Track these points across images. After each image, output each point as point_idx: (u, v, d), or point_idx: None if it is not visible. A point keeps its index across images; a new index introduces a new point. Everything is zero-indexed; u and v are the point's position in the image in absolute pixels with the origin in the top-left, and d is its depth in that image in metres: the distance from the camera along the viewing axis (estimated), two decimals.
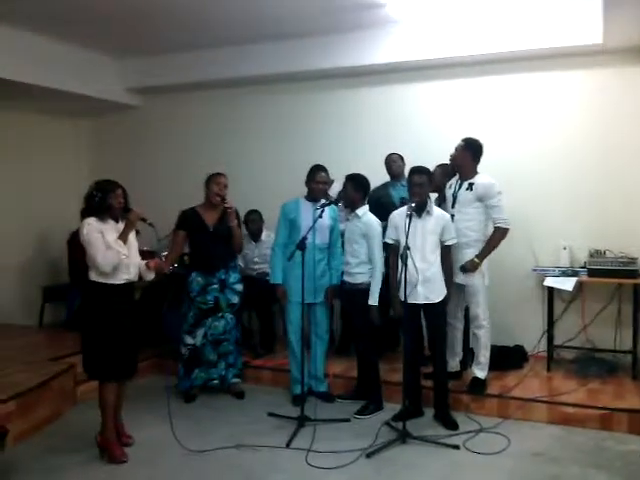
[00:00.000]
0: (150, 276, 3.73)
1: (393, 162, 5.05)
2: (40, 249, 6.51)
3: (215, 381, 4.61)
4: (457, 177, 4.34)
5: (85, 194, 3.61)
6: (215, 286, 4.51)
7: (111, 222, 3.58)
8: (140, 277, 3.73)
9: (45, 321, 6.25)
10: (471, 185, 4.22)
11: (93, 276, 3.54)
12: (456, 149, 4.32)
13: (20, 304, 6.32)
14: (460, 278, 4.20)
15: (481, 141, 4.30)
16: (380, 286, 4.17)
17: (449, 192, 4.35)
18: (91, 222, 3.50)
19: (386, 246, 4.14)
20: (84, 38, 5.45)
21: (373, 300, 4.15)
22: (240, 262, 5.53)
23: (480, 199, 4.19)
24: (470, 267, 4.16)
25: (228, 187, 4.50)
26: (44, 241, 6.49)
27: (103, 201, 3.54)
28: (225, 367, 4.61)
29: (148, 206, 5.97)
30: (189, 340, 4.54)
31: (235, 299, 4.58)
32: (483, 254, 4.18)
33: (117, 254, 3.49)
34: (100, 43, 5.64)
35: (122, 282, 3.58)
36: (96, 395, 3.68)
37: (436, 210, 4.03)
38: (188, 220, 4.52)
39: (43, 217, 6.28)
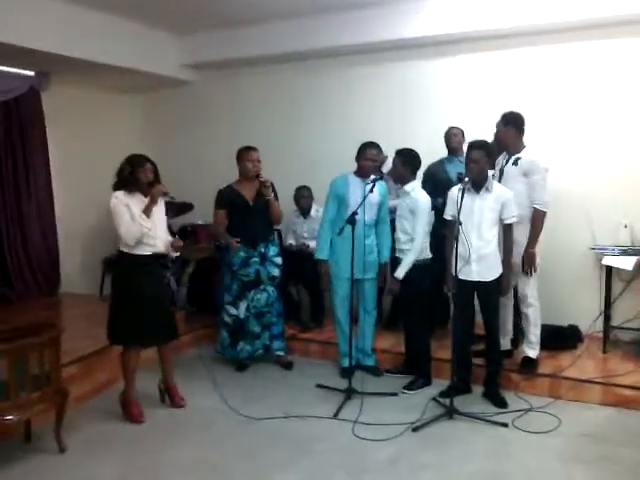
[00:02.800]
0: (174, 254, 3.89)
1: (453, 136, 4.86)
2: (100, 221, 6.72)
3: (260, 350, 4.71)
4: (505, 153, 4.21)
5: (117, 168, 3.73)
6: (256, 259, 4.57)
7: (139, 196, 3.70)
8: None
9: (105, 291, 6.50)
10: (517, 160, 4.10)
11: (121, 246, 3.71)
12: (497, 126, 4.19)
13: (83, 275, 6.58)
14: (515, 255, 4.09)
15: (520, 112, 4.15)
16: (412, 262, 4.12)
17: (496, 167, 4.22)
18: (118, 195, 3.65)
19: (446, 222, 4.05)
20: (141, 14, 5.52)
21: (399, 272, 4.13)
22: (291, 239, 5.60)
23: (525, 174, 4.06)
24: (529, 260, 4.05)
25: (261, 161, 4.53)
26: (104, 214, 6.66)
27: (131, 175, 3.66)
28: (269, 338, 4.70)
29: (199, 182, 6.16)
30: (233, 311, 4.64)
31: (275, 272, 4.64)
32: (532, 242, 4.05)
33: (139, 227, 3.61)
34: (156, 18, 5.70)
35: (147, 253, 3.71)
36: (153, 362, 3.86)
37: (496, 187, 3.90)
38: (227, 198, 4.58)
39: (104, 190, 6.46)
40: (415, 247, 4.11)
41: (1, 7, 4.54)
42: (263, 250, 4.59)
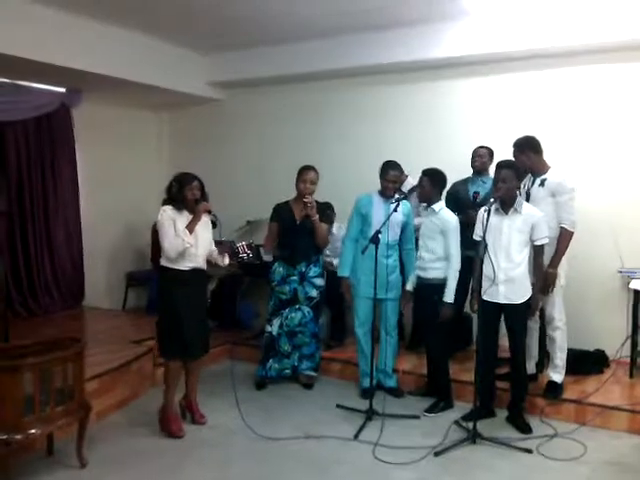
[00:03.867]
0: (224, 262, 3.99)
1: (478, 157, 4.82)
2: (125, 237, 6.83)
3: (287, 370, 4.69)
4: (530, 175, 4.17)
5: (167, 185, 3.85)
6: (295, 277, 4.58)
7: (186, 213, 3.77)
8: (214, 264, 3.99)
9: (128, 305, 6.57)
10: (543, 181, 4.06)
11: (163, 261, 3.79)
12: (514, 155, 4.16)
13: (106, 289, 6.67)
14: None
15: (531, 135, 4.14)
16: (456, 283, 4.09)
17: (523, 190, 4.18)
18: (166, 209, 3.75)
19: (475, 243, 3.99)
20: (168, 33, 5.64)
21: (449, 297, 4.08)
22: None
23: (553, 195, 4.01)
24: (549, 280, 3.99)
25: (316, 181, 4.54)
26: (129, 229, 6.81)
27: (179, 192, 3.76)
28: (298, 358, 4.68)
29: (226, 198, 6.21)
30: (268, 328, 4.66)
31: (314, 293, 4.63)
32: (555, 261, 4.00)
33: (182, 242, 3.67)
34: (184, 38, 5.80)
35: (187, 268, 3.76)
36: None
37: (526, 208, 3.84)
38: (279, 213, 4.63)
39: (129, 206, 6.57)
40: (454, 267, 4.08)
41: (34, 27, 4.68)
42: (304, 270, 4.59)
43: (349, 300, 4.58)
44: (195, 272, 3.81)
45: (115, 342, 4.85)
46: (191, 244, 3.70)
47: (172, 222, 3.70)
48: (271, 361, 4.66)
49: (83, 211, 6.28)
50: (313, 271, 4.63)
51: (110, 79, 5.44)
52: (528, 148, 4.11)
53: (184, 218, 3.75)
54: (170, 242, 3.68)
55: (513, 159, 4.11)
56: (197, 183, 3.81)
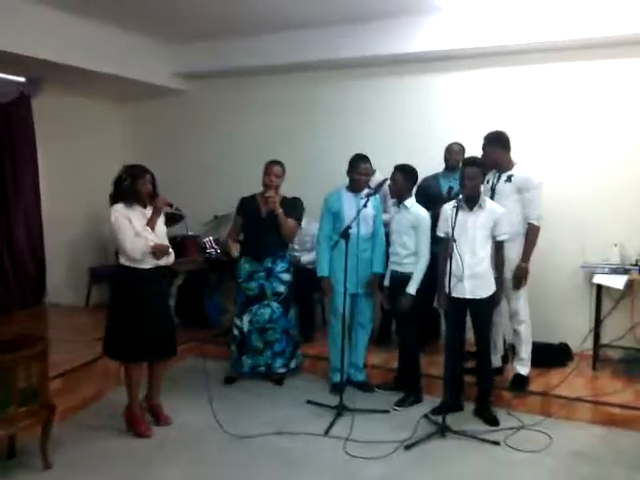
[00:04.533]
0: (168, 260, 3.73)
1: (454, 154, 4.84)
2: (88, 231, 6.67)
3: (261, 367, 4.63)
4: (494, 171, 4.23)
5: (114, 178, 3.64)
6: (261, 274, 4.53)
7: (138, 208, 3.62)
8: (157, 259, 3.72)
9: (91, 302, 6.42)
10: (510, 177, 4.12)
11: (122, 260, 3.61)
12: (482, 148, 4.21)
13: (69, 285, 6.49)
14: (506, 272, 4.10)
15: (502, 130, 4.20)
16: (422, 277, 4.12)
17: (487, 185, 4.24)
18: (119, 209, 3.55)
19: (439, 239, 4.04)
20: (132, 22, 5.49)
21: (411, 289, 4.11)
22: None
23: (519, 191, 4.08)
24: (521, 274, 4.07)
25: (282, 175, 4.51)
26: (92, 223, 6.64)
27: (132, 187, 3.58)
28: (272, 355, 4.62)
29: (193, 192, 6.12)
30: (238, 323, 4.61)
31: (281, 288, 4.59)
32: (526, 256, 4.08)
33: (145, 241, 3.54)
34: (148, 28, 5.67)
35: (149, 267, 3.63)
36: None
37: (489, 204, 3.91)
38: (245, 206, 4.57)
39: (90, 200, 6.40)
40: (422, 262, 4.11)
41: None
42: (270, 265, 4.54)
43: (329, 298, 4.53)
44: (157, 270, 3.68)
45: (79, 340, 4.74)
46: (154, 242, 3.58)
47: (128, 221, 3.53)
48: (244, 358, 4.61)
49: (44, 205, 6.10)
50: (280, 266, 4.59)
51: (71, 68, 5.27)
52: (497, 143, 4.16)
53: (138, 214, 3.60)
54: (132, 243, 3.51)
55: (481, 153, 4.17)
56: (149, 176, 3.64)
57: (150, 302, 3.66)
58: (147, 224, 3.58)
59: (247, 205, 4.58)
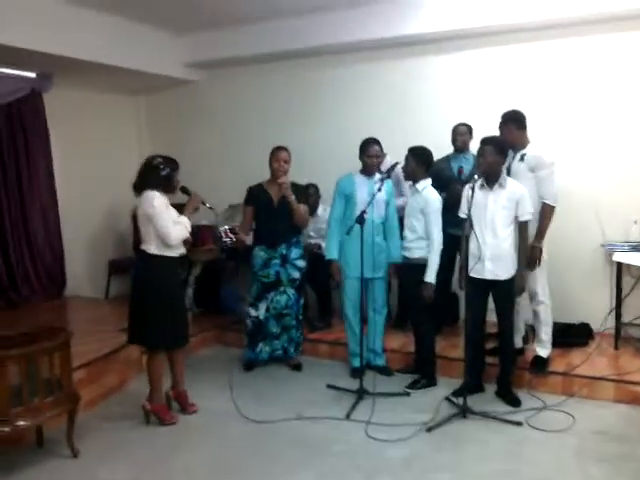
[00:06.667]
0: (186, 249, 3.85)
1: (459, 135, 4.80)
2: (106, 223, 6.72)
3: (278, 352, 4.67)
4: (512, 150, 4.17)
5: (148, 165, 3.63)
6: (276, 261, 4.54)
7: (166, 198, 3.67)
8: None
9: (111, 294, 6.48)
10: (523, 156, 4.07)
11: (153, 249, 3.60)
12: (499, 128, 4.16)
13: (88, 277, 6.55)
14: None
15: (518, 109, 4.13)
16: (437, 263, 4.08)
17: (504, 165, 4.18)
18: (157, 195, 3.57)
19: (462, 220, 3.95)
20: (142, 14, 5.47)
21: (429, 277, 4.07)
22: None
23: (532, 170, 4.02)
24: (534, 254, 4.00)
25: (289, 161, 4.49)
26: (110, 215, 6.69)
27: (170, 177, 3.63)
28: (287, 340, 4.66)
29: (206, 181, 6.12)
30: (253, 312, 4.61)
31: (296, 274, 4.59)
32: (540, 235, 4.02)
33: (184, 229, 3.61)
34: (157, 19, 5.65)
35: (175, 255, 3.68)
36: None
37: (511, 183, 3.83)
38: (254, 195, 4.56)
39: (108, 192, 6.45)
40: (435, 247, 4.06)
41: (1, 8, 4.50)
42: (285, 252, 4.54)
43: (339, 282, 4.55)
44: (181, 258, 3.75)
45: (100, 331, 4.79)
46: (190, 232, 3.68)
47: (167, 208, 3.59)
48: (261, 344, 4.64)
49: (61, 198, 6.14)
50: (294, 252, 4.59)
51: (82, 62, 5.27)
52: (511, 122, 4.10)
53: (169, 204, 3.66)
54: (174, 229, 3.55)
55: (495, 133, 4.12)
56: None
57: (177, 290, 3.73)
58: (184, 214, 3.68)
59: (257, 194, 4.56)
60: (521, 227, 3.86)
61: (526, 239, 3.90)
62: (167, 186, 3.63)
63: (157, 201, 3.53)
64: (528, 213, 3.82)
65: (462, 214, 3.92)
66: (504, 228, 3.81)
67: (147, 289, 3.65)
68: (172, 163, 3.68)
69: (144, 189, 3.59)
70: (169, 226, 3.54)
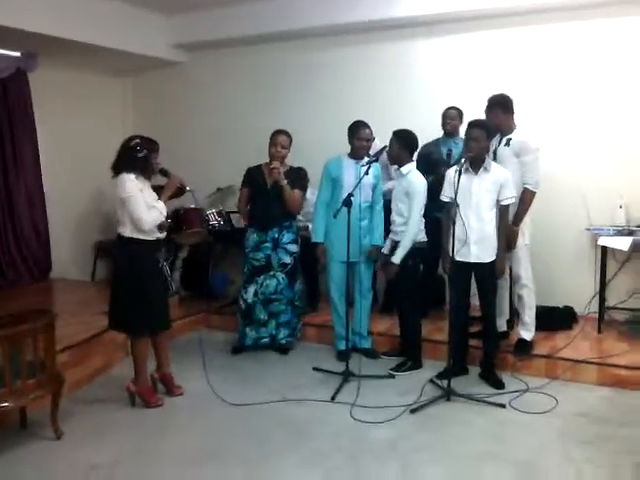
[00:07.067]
0: (164, 233, 3.75)
1: (449, 119, 4.79)
2: (92, 205, 6.66)
3: (265, 339, 4.65)
4: (498, 134, 4.17)
5: (125, 146, 3.56)
6: (268, 244, 4.53)
7: (145, 180, 3.59)
8: None
9: (97, 276, 6.45)
10: (509, 141, 4.07)
11: (128, 232, 3.54)
12: (485, 112, 4.15)
13: (74, 260, 6.52)
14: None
15: (505, 93, 4.12)
16: (409, 246, 4.07)
17: (490, 149, 4.19)
18: (133, 179, 3.49)
19: (443, 204, 4.00)
20: None
21: (395, 258, 4.08)
22: None
23: (517, 155, 4.03)
24: (511, 237, 4.02)
25: (288, 145, 4.47)
26: (95, 198, 6.63)
27: (146, 159, 3.54)
28: (275, 326, 4.64)
29: (195, 164, 6.09)
30: (243, 294, 4.62)
31: (287, 259, 4.58)
32: (518, 219, 4.04)
33: (159, 214, 3.54)
34: None
35: (154, 239, 3.62)
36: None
37: (495, 167, 3.86)
38: (251, 177, 4.55)
39: (93, 174, 6.37)
40: (410, 230, 4.06)
41: None
42: (277, 236, 4.53)
43: (323, 264, 4.55)
44: (157, 242, 3.67)
45: (86, 313, 4.76)
46: (165, 217, 3.59)
47: (141, 193, 3.50)
48: (247, 329, 4.64)
49: (46, 180, 6.09)
50: (286, 237, 4.58)
51: (67, 42, 5.21)
52: (498, 106, 4.09)
53: (146, 186, 3.57)
54: (147, 215, 3.48)
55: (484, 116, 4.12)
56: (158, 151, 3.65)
57: (154, 273, 3.66)
58: (160, 198, 3.60)
59: (253, 175, 4.55)
60: (503, 210, 3.89)
61: (507, 222, 3.93)
62: (144, 168, 3.54)
63: (129, 185, 3.46)
64: (510, 197, 3.85)
65: (444, 197, 3.94)
66: (488, 211, 3.84)
67: (123, 273, 3.62)
68: (151, 144, 3.58)
69: (121, 171, 3.52)
70: (142, 211, 3.46)
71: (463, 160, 3.77)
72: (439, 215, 4.23)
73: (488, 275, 3.91)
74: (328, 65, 5.90)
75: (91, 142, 6.50)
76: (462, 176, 3.69)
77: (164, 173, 3.74)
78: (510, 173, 3.88)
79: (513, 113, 4.13)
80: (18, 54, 5.68)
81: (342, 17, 5.41)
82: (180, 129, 6.66)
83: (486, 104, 4.15)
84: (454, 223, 3.71)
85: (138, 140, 3.56)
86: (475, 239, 3.82)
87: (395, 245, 4.19)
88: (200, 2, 5.73)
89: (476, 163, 3.82)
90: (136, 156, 3.51)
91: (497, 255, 3.89)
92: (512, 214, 4.01)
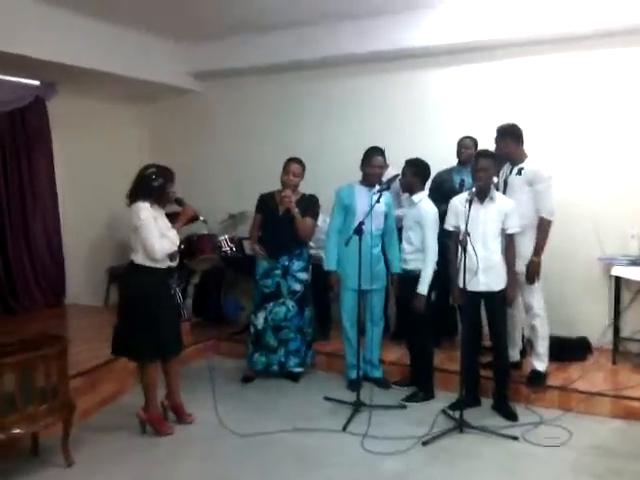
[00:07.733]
0: (176, 261, 3.80)
1: (464, 148, 4.83)
2: (106, 231, 6.72)
3: (274, 367, 4.63)
4: (508, 164, 4.19)
5: (141, 175, 3.61)
6: (278, 271, 4.54)
7: (159, 209, 3.63)
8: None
9: (110, 301, 6.47)
10: (520, 170, 4.08)
11: (140, 259, 3.57)
12: (495, 141, 4.18)
13: (88, 285, 6.54)
14: (519, 266, 4.06)
15: (515, 123, 4.15)
16: (431, 275, 4.08)
17: (500, 178, 4.20)
18: (148, 207, 3.52)
19: (448, 233, 4.04)
20: (145, 23, 5.53)
21: (421, 289, 4.08)
22: None
23: (530, 183, 4.04)
24: (533, 268, 4.02)
25: (301, 174, 4.52)
26: (110, 223, 6.69)
27: (162, 188, 3.58)
28: (285, 354, 4.61)
29: (207, 191, 6.15)
30: (254, 320, 4.62)
31: (297, 287, 4.58)
32: (538, 250, 4.03)
33: (171, 244, 3.58)
34: (161, 27, 5.71)
35: (164, 267, 3.64)
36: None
37: (499, 197, 3.90)
38: (263, 204, 4.59)
39: (108, 200, 6.45)
40: (428, 258, 4.07)
41: (5, 18, 4.55)
42: (287, 263, 4.54)
43: (336, 294, 4.55)
44: (168, 270, 3.70)
45: (98, 339, 4.77)
46: (178, 246, 3.62)
47: (154, 220, 3.53)
48: (257, 355, 4.63)
49: (62, 206, 6.16)
50: (297, 265, 4.59)
51: (85, 71, 5.32)
52: (509, 136, 4.12)
53: (159, 215, 3.61)
54: (160, 244, 3.51)
55: (494, 145, 4.14)
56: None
57: (164, 301, 3.68)
58: (174, 227, 3.63)
59: (265, 202, 4.59)
60: (508, 239, 3.92)
61: (513, 251, 3.95)
62: (159, 197, 3.58)
63: (144, 213, 3.49)
64: (515, 226, 3.88)
65: (449, 227, 3.98)
66: (494, 240, 3.87)
67: (132, 300, 3.64)
68: (167, 173, 3.62)
69: (136, 199, 3.55)
70: (154, 239, 3.49)
71: (473, 190, 3.79)
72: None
73: (498, 304, 3.91)
74: (343, 94, 5.97)
75: (107, 168, 6.59)
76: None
77: (179, 202, 3.78)
78: (514, 202, 3.91)
79: (523, 143, 4.16)
80: (37, 83, 5.80)
81: (355, 47, 5.49)
82: (195, 156, 6.74)
83: (496, 133, 4.18)
84: (465, 252, 3.71)
85: (154, 169, 3.61)
86: (482, 267, 3.82)
87: (404, 273, 4.22)
88: (216, 32, 5.84)
89: (483, 193, 3.85)
90: (152, 185, 3.55)
91: (508, 283, 3.88)
92: (529, 245, 4.01)
